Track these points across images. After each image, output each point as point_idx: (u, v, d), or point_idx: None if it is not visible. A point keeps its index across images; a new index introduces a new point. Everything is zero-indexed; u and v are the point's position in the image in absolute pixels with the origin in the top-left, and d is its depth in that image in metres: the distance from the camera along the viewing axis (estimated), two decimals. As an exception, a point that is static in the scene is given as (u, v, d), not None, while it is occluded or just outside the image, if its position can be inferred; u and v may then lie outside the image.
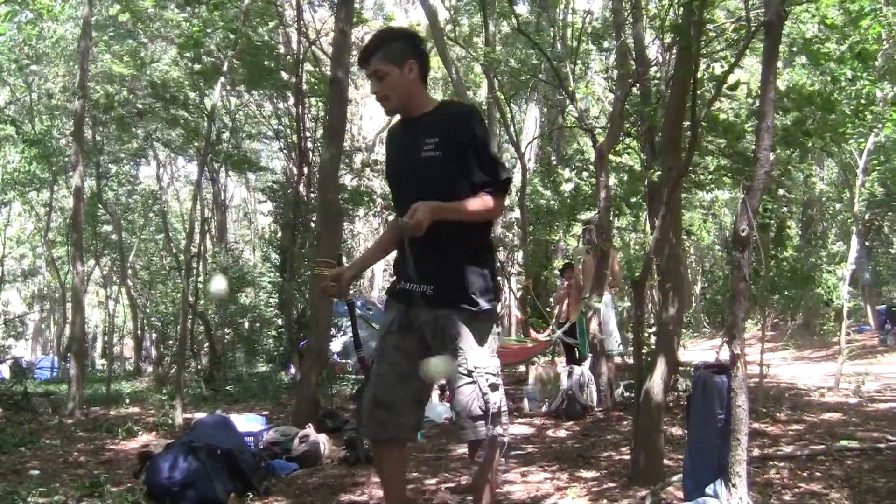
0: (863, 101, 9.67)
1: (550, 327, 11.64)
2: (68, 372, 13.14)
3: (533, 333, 13.14)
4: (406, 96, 3.80)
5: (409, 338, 3.80)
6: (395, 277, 3.97)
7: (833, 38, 9.81)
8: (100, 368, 24.99)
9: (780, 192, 11.69)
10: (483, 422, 3.66)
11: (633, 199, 11.39)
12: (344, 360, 16.18)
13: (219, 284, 5.65)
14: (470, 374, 3.67)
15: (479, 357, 3.71)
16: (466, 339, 3.70)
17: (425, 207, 3.48)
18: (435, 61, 23.57)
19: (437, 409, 9.33)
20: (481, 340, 3.74)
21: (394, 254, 4.01)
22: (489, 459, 3.75)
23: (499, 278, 4.23)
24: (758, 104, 4.52)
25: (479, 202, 3.65)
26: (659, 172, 7.58)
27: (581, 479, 5.67)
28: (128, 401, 13.53)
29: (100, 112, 16.06)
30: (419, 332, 3.78)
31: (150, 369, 24.03)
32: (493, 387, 3.71)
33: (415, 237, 3.57)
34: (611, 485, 5.38)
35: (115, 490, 5.44)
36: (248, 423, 7.62)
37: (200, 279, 15.90)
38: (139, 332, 25.87)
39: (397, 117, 3.98)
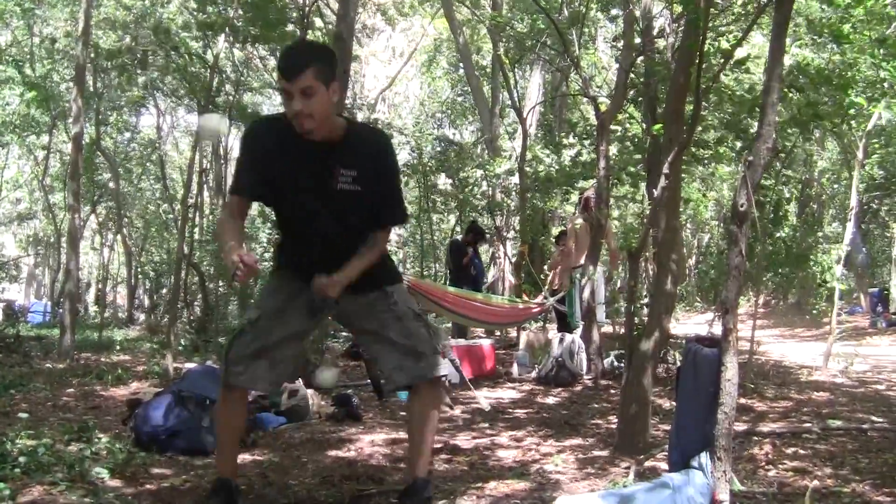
0: (880, 85, 9.66)
1: (542, 293, 11.64)
2: (61, 317, 13.15)
3: (525, 297, 13.15)
4: (326, 119, 3.60)
5: (313, 311, 3.90)
6: (291, 262, 4.02)
7: (837, 17, 9.74)
8: (92, 315, 24.98)
9: (781, 170, 11.69)
10: (440, 359, 3.89)
11: (632, 169, 11.37)
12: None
13: (211, 122, 5.44)
14: (420, 317, 3.91)
15: (416, 307, 3.97)
16: (399, 293, 3.98)
17: (337, 286, 3.72)
18: (441, 23, 23.48)
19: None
20: (410, 298, 4.05)
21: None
22: (439, 402, 4.04)
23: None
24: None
25: (378, 248, 3.90)
26: (661, 128, 7.55)
27: (567, 447, 5.70)
28: (119, 348, 13.55)
29: (102, 58, 15.95)
30: (330, 310, 3.98)
31: (142, 318, 24.08)
32: (436, 334, 4.02)
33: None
34: (597, 453, 5.40)
35: (103, 436, 5.44)
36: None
37: (196, 230, 15.88)
38: (133, 280, 25.87)
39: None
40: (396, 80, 24.78)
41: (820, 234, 19.73)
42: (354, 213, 3.72)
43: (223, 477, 3.94)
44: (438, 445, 5.60)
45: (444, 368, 3.96)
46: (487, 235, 17.30)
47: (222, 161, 24.17)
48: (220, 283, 18.19)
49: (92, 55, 14.32)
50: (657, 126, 8.25)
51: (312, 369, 8.61)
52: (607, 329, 10.75)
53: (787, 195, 17.91)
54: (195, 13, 14.50)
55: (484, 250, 19.69)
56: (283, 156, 3.71)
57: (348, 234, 3.79)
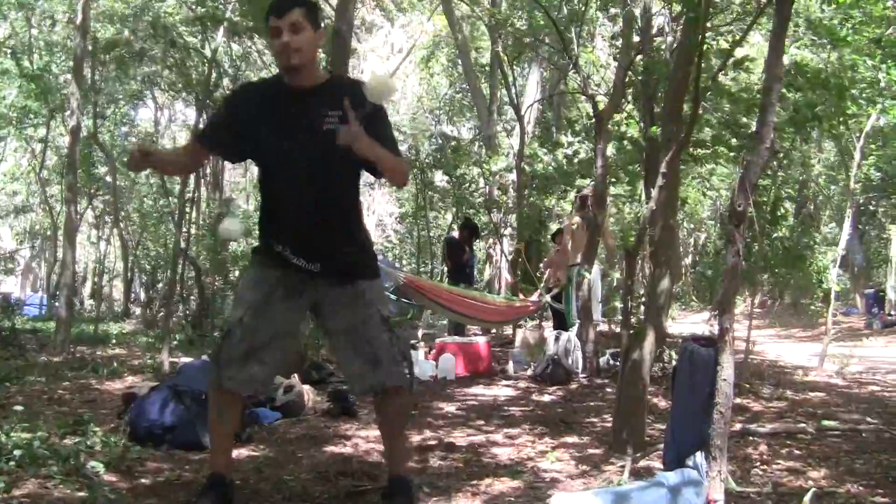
0: (878, 88, 9.67)
1: (538, 291, 11.63)
2: (57, 310, 13.14)
3: (521, 295, 13.15)
4: (310, 60, 3.71)
5: (295, 302, 3.88)
6: (270, 241, 3.93)
7: (837, 18, 9.76)
8: (88, 308, 24.96)
9: (779, 171, 11.68)
10: (404, 366, 3.87)
11: (630, 168, 11.37)
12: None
13: (232, 225, 5.53)
14: (385, 321, 3.88)
15: (387, 310, 3.96)
16: (373, 292, 3.92)
17: (365, 142, 3.55)
18: (440, 19, 23.45)
19: (423, 366, 9.36)
20: (384, 296, 4.05)
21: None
22: (405, 408, 4.04)
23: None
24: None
25: (401, 162, 3.83)
26: (659, 129, 7.56)
27: (562, 445, 5.70)
28: (115, 342, 13.55)
29: (100, 51, 15.92)
30: (311, 295, 3.89)
31: (138, 312, 24.04)
32: (401, 340, 4.02)
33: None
34: (592, 451, 5.41)
35: (99, 429, 5.44)
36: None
37: (193, 224, 15.86)
38: (129, 274, 25.83)
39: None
40: (395, 76, 24.73)
41: (817, 235, 19.76)
42: (341, 155, 3.61)
43: (217, 472, 3.94)
44: (433, 442, 5.61)
45: (402, 378, 3.89)
46: (483, 232, 17.29)
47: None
48: (217, 278, 18.18)
49: (90, 47, 14.27)
50: (654, 128, 8.26)
51: (309, 364, 8.61)
52: (603, 327, 10.76)
53: (785, 195, 17.92)
54: (193, 7, 14.47)
55: (479, 247, 19.69)
56: (267, 108, 3.78)
57: (335, 182, 3.77)
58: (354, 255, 3.88)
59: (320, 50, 3.77)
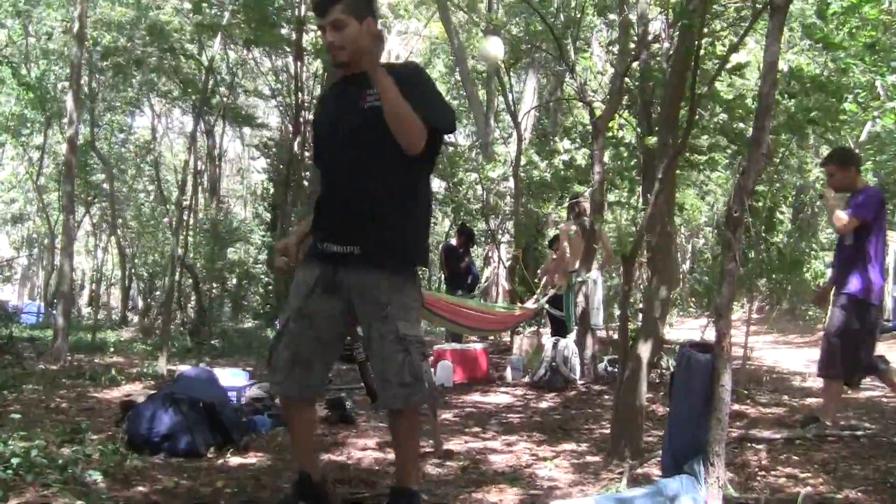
0: (874, 92, 9.69)
1: (535, 297, 11.62)
2: (54, 318, 13.13)
3: (519, 303, 13.15)
4: (358, 52, 3.67)
5: (334, 301, 3.81)
6: (316, 236, 3.91)
7: (833, 23, 9.78)
8: (86, 316, 24.95)
9: (774, 176, 11.70)
10: (412, 388, 3.71)
11: (627, 174, 11.38)
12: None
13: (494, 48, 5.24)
14: (402, 341, 3.70)
15: (409, 326, 3.75)
16: (396, 306, 3.73)
17: (378, 66, 3.52)
18: (437, 26, 23.49)
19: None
20: (410, 308, 3.78)
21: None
22: (413, 427, 3.87)
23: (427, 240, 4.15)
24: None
25: (410, 113, 3.55)
26: (655, 140, 7.57)
27: (561, 451, 5.70)
28: (112, 350, 13.54)
29: (97, 59, 15.95)
30: (346, 295, 3.79)
31: (136, 319, 24.05)
32: (423, 356, 3.79)
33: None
34: (590, 458, 5.41)
35: (97, 437, 5.45)
36: (231, 377, 7.62)
37: (191, 232, 15.87)
38: (127, 281, 25.85)
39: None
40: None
41: (814, 240, 19.77)
42: (381, 128, 3.57)
43: (302, 470, 4.00)
44: (430, 449, 5.60)
45: (406, 401, 3.74)
46: (479, 238, 17.31)
47: (217, 163, 24.18)
48: (214, 285, 18.21)
49: (87, 54, 14.29)
50: (651, 139, 8.27)
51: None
52: (602, 334, 10.75)
53: (782, 200, 17.93)
54: (190, 15, 14.50)
55: (477, 254, 19.71)
56: (329, 101, 4.06)
57: (374, 159, 3.69)
58: (393, 237, 3.73)
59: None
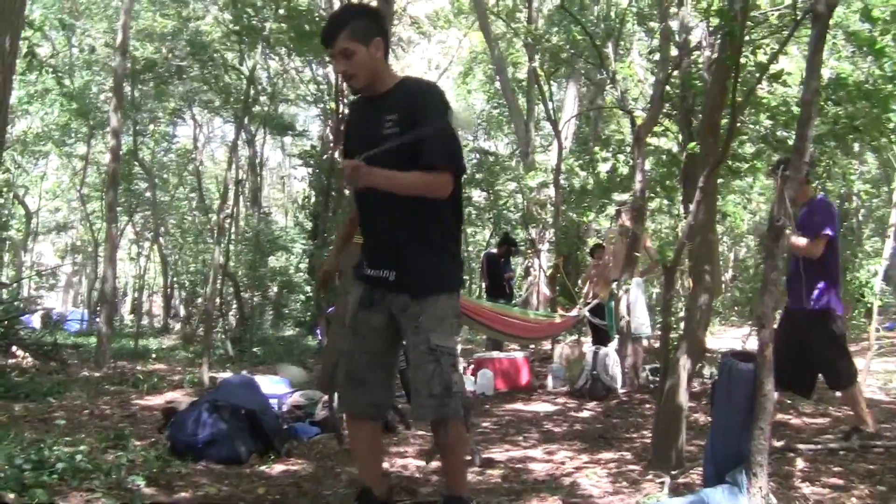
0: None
1: (578, 306, 11.58)
2: (97, 326, 13.27)
3: (560, 310, 13.11)
4: (372, 75, 3.76)
5: (378, 315, 3.89)
6: (362, 257, 4.01)
7: (877, 30, 9.66)
8: (129, 324, 25.20)
9: (817, 185, 11.59)
10: (443, 400, 3.71)
11: (668, 183, 11.31)
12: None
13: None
14: (433, 352, 3.73)
15: (441, 336, 3.76)
16: (428, 317, 3.76)
17: (365, 170, 3.58)
18: (477, 36, 23.50)
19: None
20: (443, 321, 3.79)
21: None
22: (455, 438, 3.85)
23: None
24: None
25: (418, 176, 3.66)
26: (695, 145, 7.51)
27: (601, 460, 5.68)
28: (154, 357, 13.66)
29: (139, 70, 16.11)
30: (387, 308, 3.86)
31: (177, 327, 24.24)
32: (454, 367, 3.80)
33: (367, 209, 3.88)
34: (631, 467, 5.37)
35: (139, 444, 5.50)
36: (272, 385, 7.68)
37: (232, 240, 15.98)
38: (169, 289, 26.07)
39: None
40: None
41: (859, 248, 19.54)
42: (396, 157, 3.63)
43: (365, 486, 3.99)
44: (469, 458, 5.60)
45: (435, 412, 3.75)
46: (521, 247, 17.30)
47: (258, 172, 24.31)
48: (255, 293, 18.31)
49: (129, 65, 14.45)
50: (692, 144, 8.21)
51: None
52: (644, 342, 10.69)
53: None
54: (230, 25, 14.61)
55: (517, 262, 19.69)
56: (354, 121, 4.08)
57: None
58: (426, 261, 3.81)
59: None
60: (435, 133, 3.66)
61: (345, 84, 3.83)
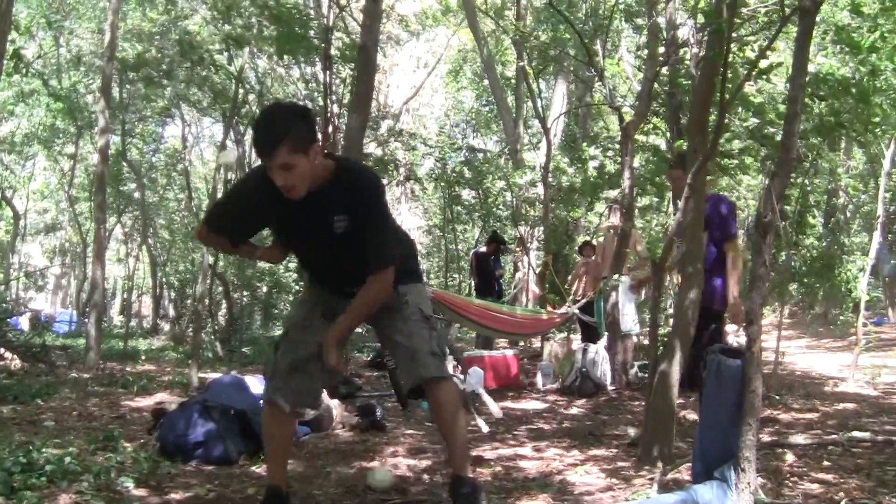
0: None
1: (567, 303, 11.59)
2: (86, 327, 13.24)
3: (550, 307, 13.13)
4: (313, 180, 3.63)
5: (336, 314, 3.95)
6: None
7: (865, 26, 9.69)
8: (118, 324, 25.14)
9: (804, 180, 11.64)
10: (441, 360, 3.91)
11: (657, 180, 11.34)
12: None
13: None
14: (427, 319, 3.98)
15: (429, 310, 4.06)
16: (414, 296, 4.03)
17: (330, 342, 3.77)
18: (465, 33, 23.46)
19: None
20: (426, 300, 4.13)
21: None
22: (452, 400, 3.97)
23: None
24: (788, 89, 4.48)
25: (369, 293, 3.81)
26: (685, 145, 7.54)
27: (591, 457, 5.68)
28: (144, 358, 13.63)
29: (127, 70, 16.06)
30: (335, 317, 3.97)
31: (167, 328, 24.19)
32: (440, 337, 4.05)
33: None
34: (621, 464, 5.38)
35: (129, 445, 5.49)
36: (262, 385, 7.66)
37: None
38: (158, 290, 26.01)
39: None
40: (421, 90, 24.74)
41: (846, 244, 19.61)
42: (356, 252, 3.78)
43: (272, 484, 4.03)
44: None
45: (443, 370, 3.93)
46: (510, 245, 17.31)
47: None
48: (244, 294, 18.27)
49: (117, 66, 14.41)
50: (680, 142, 8.25)
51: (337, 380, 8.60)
52: (634, 339, 10.72)
53: (813, 204, 17.82)
54: (219, 25, 14.57)
55: (506, 260, 19.69)
56: (280, 205, 3.71)
57: (357, 259, 3.80)
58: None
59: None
60: (380, 241, 3.79)
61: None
